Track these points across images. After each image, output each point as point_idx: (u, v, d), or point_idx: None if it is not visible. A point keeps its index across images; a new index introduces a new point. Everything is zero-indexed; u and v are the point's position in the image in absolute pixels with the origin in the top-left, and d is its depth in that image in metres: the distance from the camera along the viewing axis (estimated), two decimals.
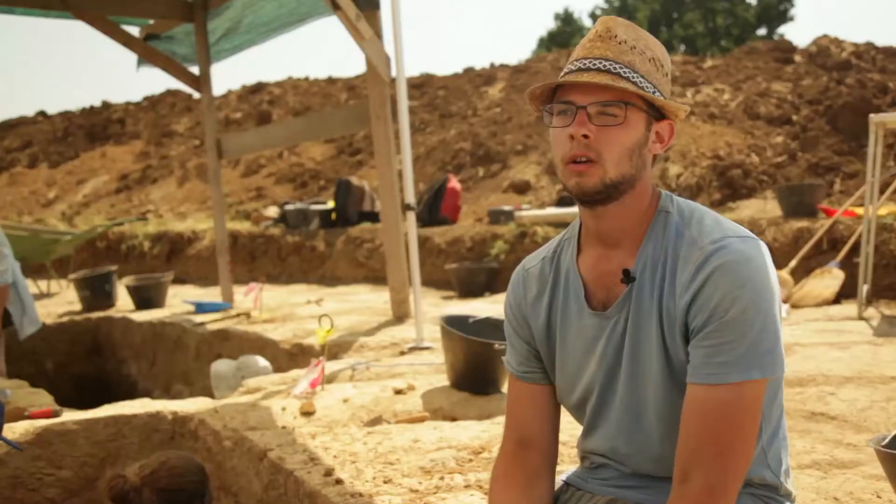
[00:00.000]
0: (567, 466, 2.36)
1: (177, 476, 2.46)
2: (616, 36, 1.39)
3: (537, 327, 1.55)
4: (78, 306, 7.42)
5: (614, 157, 1.36)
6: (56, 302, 8.11)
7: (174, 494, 2.41)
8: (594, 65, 1.37)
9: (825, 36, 11.56)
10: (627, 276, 1.42)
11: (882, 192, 5.72)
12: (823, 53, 10.85)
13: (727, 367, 1.29)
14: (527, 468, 1.55)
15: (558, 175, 1.43)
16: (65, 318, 7.12)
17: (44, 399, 4.08)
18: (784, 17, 28.23)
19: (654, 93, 1.38)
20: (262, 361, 4.63)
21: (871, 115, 4.78)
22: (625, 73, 1.36)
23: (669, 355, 1.38)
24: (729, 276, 1.30)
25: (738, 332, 1.29)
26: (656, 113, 1.41)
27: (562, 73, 1.43)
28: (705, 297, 1.31)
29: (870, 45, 10.87)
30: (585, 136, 1.35)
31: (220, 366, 4.66)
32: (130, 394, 6.10)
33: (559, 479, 1.65)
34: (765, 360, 1.30)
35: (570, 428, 2.21)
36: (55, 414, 3.61)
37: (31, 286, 8.29)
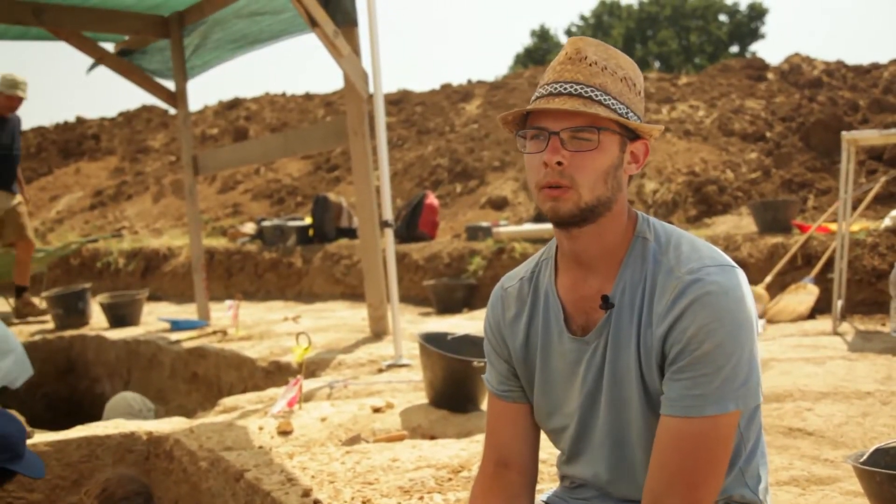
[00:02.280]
0: (547, 485, 2.35)
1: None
2: (586, 58, 1.37)
3: (515, 347, 1.54)
4: (51, 324, 7.31)
5: (589, 181, 1.35)
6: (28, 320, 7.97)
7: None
8: (565, 89, 1.36)
9: (797, 54, 11.75)
10: (606, 303, 1.41)
11: (854, 208, 5.80)
12: (795, 71, 11.02)
13: (703, 400, 1.29)
14: (506, 488, 1.54)
15: (534, 198, 1.42)
16: (37, 337, 7.00)
17: None
18: (755, 35, 28.70)
19: (626, 113, 1.37)
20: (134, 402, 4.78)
21: (844, 133, 4.84)
22: (596, 96, 1.35)
23: (646, 383, 1.38)
24: (706, 308, 1.29)
25: (714, 366, 1.29)
26: (630, 133, 1.39)
27: (533, 98, 1.42)
28: (681, 329, 1.31)
29: (840, 64, 11.05)
30: (559, 163, 1.34)
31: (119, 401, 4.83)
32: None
33: (539, 499, 1.64)
34: (739, 392, 1.30)
35: (548, 446, 2.20)
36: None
37: (2, 304, 8.17)
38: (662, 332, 1.33)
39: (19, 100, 6.83)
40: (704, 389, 1.29)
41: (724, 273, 1.32)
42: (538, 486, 2.32)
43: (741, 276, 1.35)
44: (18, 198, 7.14)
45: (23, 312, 7.40)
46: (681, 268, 1.34)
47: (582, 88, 1.35)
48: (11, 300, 7.63)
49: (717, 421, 1.29)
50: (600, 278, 1.43)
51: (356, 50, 5.16)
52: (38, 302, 7.47)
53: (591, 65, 1.37)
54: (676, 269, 1.35)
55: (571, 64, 1.38)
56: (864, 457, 1.95)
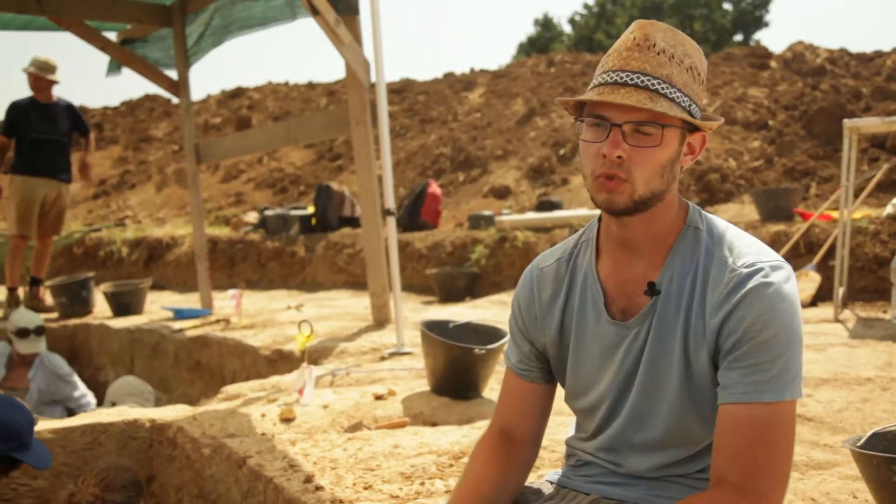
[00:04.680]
0: (546, 470, 2.36)
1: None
2: (654, 45, 1.34)
3: (551, 328, 1.54)
4: (54, 313, 7.34)
5: (645, 175, 1.34)
6: None
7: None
8: (631, 79, 1.32)
9: (800, 42, 11.71)
10: (652, 289, 1.41)
11: (857, 196, 5.80)
12: (798, 59, 10.98)
13: (761, 387, 1.30)
14: (506, 456, 1.56)
15: (586, 186, 1.40)
16: None
17: None
18: (759, 23, 28.57)
19: (689, 106, 1.35)
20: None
21: (846, 120, 4.83)
22: (662, 89, 1.32)
23: (691, 371, 1.38)
24: (763, 300, 1.31)
25: (771, 354, 1.30)
26: (690, 126, 1.38)
27: (593, 83, 1.38)
28: (737, 319, 1.32)
29: (843, 52, 11.02)
30: (619, 157, 1.32)
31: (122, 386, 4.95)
32: None
33: (543, 479, 1.65)
34: (792, 384, 1.32)
35: (549, 433, 2.21)
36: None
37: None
38: (717, 322, 1.33)
39: (46, 81, 6.79)
40: (762, 377, 1.30)
41: (780, 269, 1.35)
42: (539, 470, 2.34)
43: (792, 273, 1.37)
44: (69, 191, 7.15)
45: (30, 305, 7.41)
46: (737, 261, 1.35)
47: (648, 80, 1.31)
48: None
49: (774, 408, 1.30)
50: (645, 264, 1.43)
51: (358, 38, 5.15)
52: (42, 291, 7.49)
53: (658, 53, 1.33)
54: (732, 262, 1.35)
55: (639, 51, 1.33)
56: (862, 441, 1.96)
